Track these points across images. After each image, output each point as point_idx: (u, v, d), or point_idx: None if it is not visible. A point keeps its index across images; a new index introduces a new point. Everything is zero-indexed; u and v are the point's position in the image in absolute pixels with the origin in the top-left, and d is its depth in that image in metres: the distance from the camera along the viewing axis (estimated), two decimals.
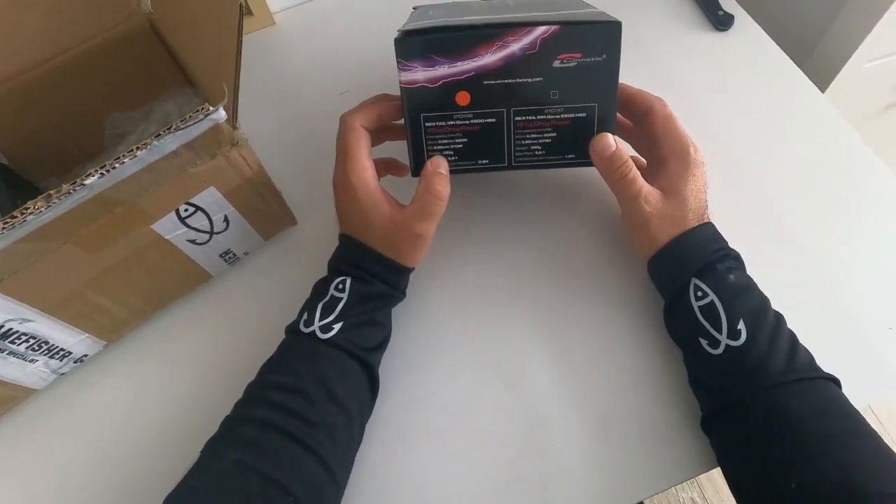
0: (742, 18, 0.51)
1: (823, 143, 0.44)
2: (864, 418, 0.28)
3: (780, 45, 0.49)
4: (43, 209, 0.24)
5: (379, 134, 0.36)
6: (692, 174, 0.34)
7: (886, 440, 0.27)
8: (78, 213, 0.27)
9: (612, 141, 0.34)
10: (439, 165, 0.34)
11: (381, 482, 0.33)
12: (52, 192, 0.25)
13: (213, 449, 0.29)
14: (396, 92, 0.34)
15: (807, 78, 0.47)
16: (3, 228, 0.24)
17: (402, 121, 0.35)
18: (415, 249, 0.34)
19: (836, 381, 0.30)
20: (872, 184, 0.42)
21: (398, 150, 0.38)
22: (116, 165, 0.25)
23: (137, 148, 0.26)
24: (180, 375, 0.37)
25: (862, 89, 0.58)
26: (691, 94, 0.47)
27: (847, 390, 0.30)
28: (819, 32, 0.53)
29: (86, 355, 0.37)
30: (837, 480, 0.26)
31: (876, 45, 0.52)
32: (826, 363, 0.30)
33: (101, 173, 0.25)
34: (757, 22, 0.51)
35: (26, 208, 0.24)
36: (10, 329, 0.30)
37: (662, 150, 0.35)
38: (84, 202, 0.27)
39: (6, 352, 0.31)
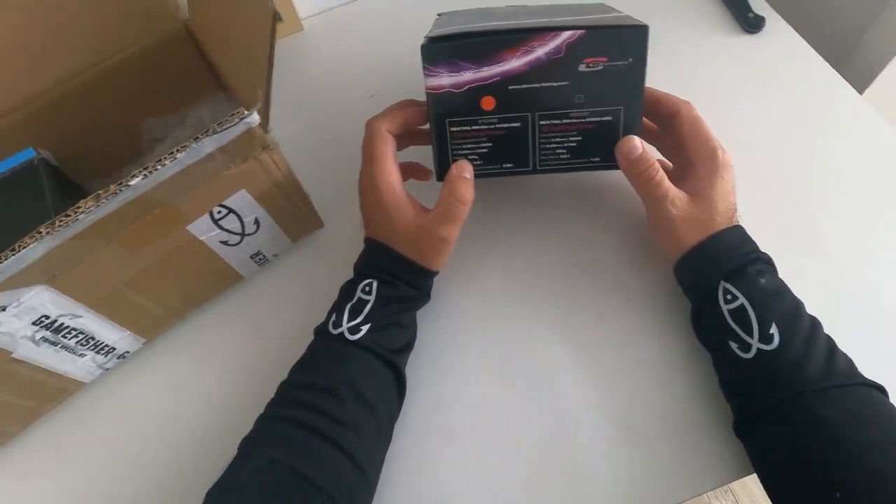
0: (773, 21, 0.50)
1: (862, 147, 0.43)
2: None
3: (814, 48, 0.48)
4: (93, 208, 0.26)
5: (404, 139, 0.37)
6: (720, 177, 0.33)
7: None
8: (122, 213, 0.28)
9: (638, 143, 0.34)
10: (464, 170, 0.34)
11: (408, 483, 0.34)
12: (100, 192, 0.26)
13: (251, 447, 0.30)
14: (422, 96, 0.35)
15: (845, 81, 0.46)
16: (59, 226, 0.25)
17: (427, 125, 0.36)
18: (439, 253, 0.35)
19: (881, 389, 0.29)
20: None
21: (423, 154, 0.38)
22: (158, 167, 0.27)
23: (177, 150, 0.27)
24: (213, 374, 0.39)
25: None
26: (720, 98, 0.46)
27: (893, 398, 0.29)
28: (858, 34, 0.52)
29: (128, 352, 0.38)
30: (883, 489, 0.25)
31: None
32: (866, 371, 0.29)
33: (144, 174, 0.26)
34: (790, 25, 0.49)
35: (78, 207, 0.25)
36: (63, 324, 0.32)
37: (689, 153, 0.34)
38: (128, 202, 0.28)
39: (59, 345, 0.33)
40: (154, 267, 0.34)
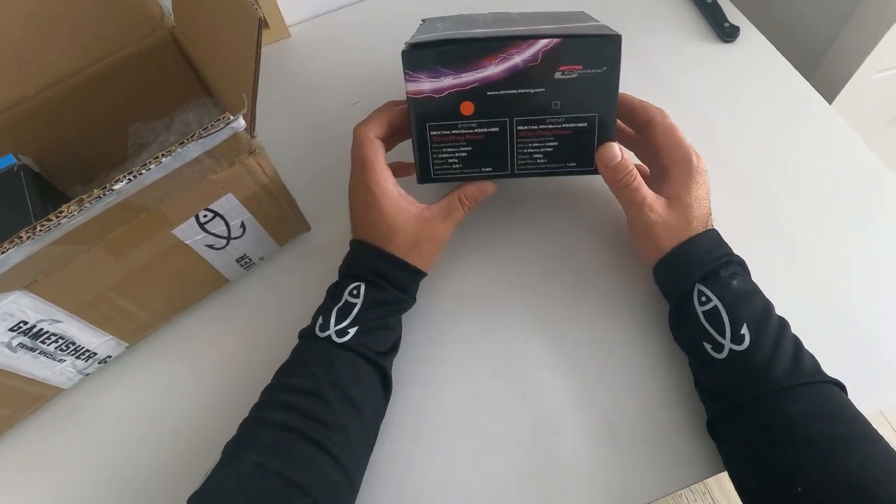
0: (748, 30, 0.51)
1: (831, 153, 0.44)
2: (870, 423, 0.28)
3: (786, 57, 0.50)
4: (76, 213, 0.26)
5: (390, 139, 0.38)
6: (695, 181, 0.34)
7: None
8: (106, 218, 0.28)
9: (617, 151, 0.35)
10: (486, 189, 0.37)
11: (392, 483, 0.34)
12: (83, 196, 0.26)
13: (234, 451, 0.30)
14: (404, 100, 0.36)
15: (814, 89, 0.48)
16: (40, 231, 0.25)
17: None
18: (434, 251, 0.36)
19: (841, 387, 0.30)
20: (881, 193, 0.42)
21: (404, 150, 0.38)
22: (143, 171, 0.27)
23: (163, 155, 0.27)
24: (198, 378, 0.38)
25: (870, 101, 0.58)
26: (697, 105, 0.48)
27: (853, 396, 0.30)
28: (826, 44, 0.54)
29: (109, 356, 0.38)
30: (844, 483, 0.26)
31: (884, 56, 0.52)
32: (832, 370, 0.31)
33: (129, 179, 0.26)
34: (763, 33, 0.51)
35: (60, 212, 0.25)
36: (42, 329, 0.31)
37: (665, 160, 0.36)
38: (112, 207, 0.28)
39: (37, 351, 0.32)
40: (139, 271, 0.34)
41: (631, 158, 0.36)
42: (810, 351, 0.31)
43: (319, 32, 0.56)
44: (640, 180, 0.35)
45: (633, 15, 0.53)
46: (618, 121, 0.39)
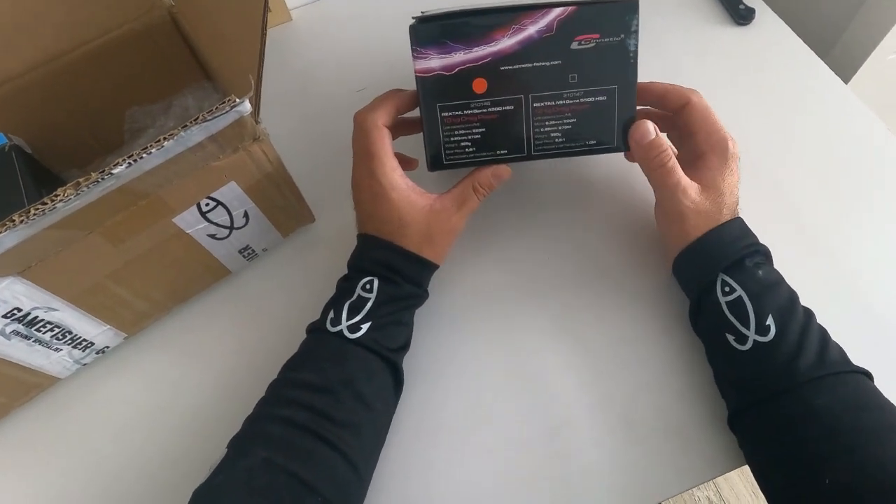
0: (763, 12, 0.50)
1: (849, 135, 0.43)
2: None
3: (801, 38, 0.48)
4: (72, 197, 0.24)
5: (395, 129, 0.36)
6: (729, 168, 0.33)
7: None
8: (104, 204, 0.27)
9: (651, 128, 0.33)
10: (500, 174, 0.35)
11: (402, 480, 0.33)
12: (80, 180, 0.25)
13: (242, 446, 0.29)
14: (413, 88, 0.34)
15: (831, 70, 0.47)
16: (34, 214, 0.24)
17: (416, 113, 0.35)
18: (447, 242, 0.34)
19: (868, 375, 0.29)
20: None
21: (408, 145, 0.37)
22: (144, 155, 0.25)
23: (164, 138, 0.26)
24: (199, 371, 0.37)
25: (886, 81, 0.57)
26: (712, 89, 0.45)
27: (882, 386, 0.29)
28: (842, 24, 0.52)
29: (107, 347, 0.37)
30: (873, 475, 0.25)
31: None
32: (858, 359, 0.30)
33: (129, 163, 0.25)
34: (778, 15, 0.50)
35: (56, 195, 0.24)
36: (37, 317, 0.30)
37: (700, 144, 0.34)
38: (110, 192, 0.27)
39: (32, 339, 0.31)
40: (138, 260, 0.33)
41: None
42: (836, 342, 0.30)
43: (322, 16, 0.55)
44: (675, 162, 0.33)
45: (645, 0, 0.52)
46: (648, 108, 0.38)
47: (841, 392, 0.28)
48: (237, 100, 0.28)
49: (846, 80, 0.54)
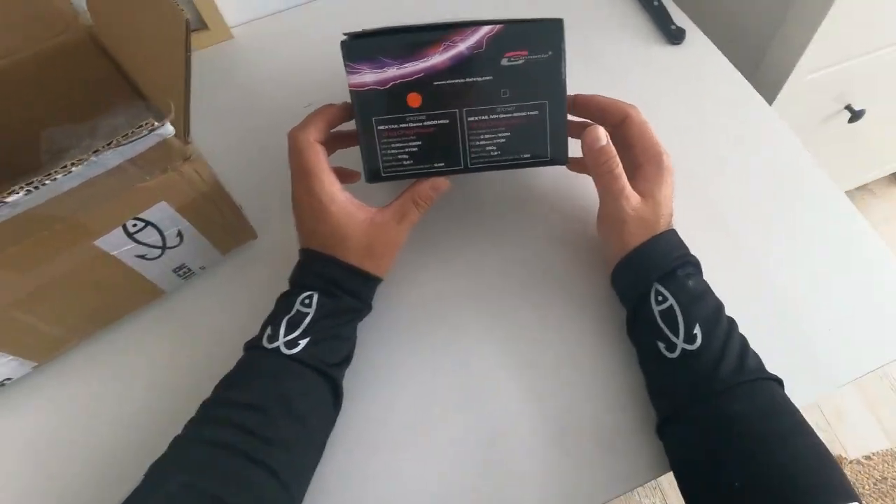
0: (693, 32, 0.53)
1: (771, 153, 0.46)
2: (803, 417, 0.29)
3: (729, 58, 0.51)
4: None
5: (331, 144, 0.36)
6: (665, 180, 0.35)
7: (831, 434, 0.28)
8: (3, 232, 0.26)
9: (602, 134, 0.34)
10: (438, 186, 0.35)
11: (341, 494, 0.33)
12: None
13: (160, 471, 0.28)
14: (343, 101, 0.34)
15: (755, 90, 0.49)
16: None
17: (351, 126, 0.35)
18: (389, 255, 0.35)
19: (779, 382, 0.31)
20: (814, 192, 0.44)
21: (346, 157, 0.37)
22: (47, 182, 0.25)
23: (73, 164, 0.25)
24: (129, 393, 0.36)
25: (806, 100, 0.61)
26: (646, 105, 0.47)
27: (790, 390, 0.31)
28: (763, 46, 0.56)
29: (9, 378, 0.35)
30: (776, 476, 0.26)
31: (815, 57, 0.54)
32: (771, 364, 0.31)
33: (28, 190, 0.24)
34: (707, 36, 0.53)
35: None
36: None
37: (638, 156, 0.35)
38: (11, 219, 0.26)
39: None
40: (51, 285, 0.31)
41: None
42: (754, 349, 0.32)
43: (263, 34, 0.55)
44: (621, 169, 0.34)
45: (583, 17, 0.54)
46: (588, 121, 0.39)
47: (754, 399, 0.29)
48: (156, 123, 0.28)
49: (771, 99, 0.57)
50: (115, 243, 0.32)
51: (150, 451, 0.29)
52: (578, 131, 0.36)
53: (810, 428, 0.28)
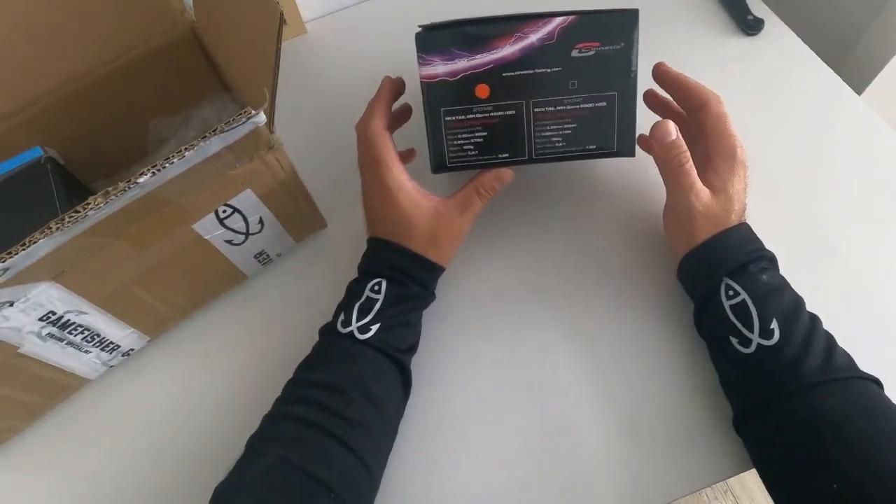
0: (772, 22, 0.50)
1: (862, 147, 0.43)
2: None
3: (812, 49, 0.48)
4: (102, 205, 0.26)
5: (392, 128, 0.37)
6: (737, 175, 0.34)
7: None
8: (130, 211, 0.29)
9: (672, 128, 0.34)
10: (503, 177, 0.36)
11: (409, 481, 0.34)
12: (109, 189, 0.26)
13: (257, 445, 0.30)
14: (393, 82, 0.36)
15: (843, 82, 0.46)
16: (68, 222, 0.25)
17: (402, 105, 0.36)
18: (453, 245, 0.35)
19: (877, 382, 0.29)
20: None
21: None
22: (166, 165, 0.27)
23: (185, 149, 0.27)
24: (217, 372, 0.39)
25: None
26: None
27: (891, 393, 0.29)
28: (857, 34, 0.52)
29: (132, 349, 0.39)
30: (881, 481, 0.25)
31: None
32: (866, 366, 0.30)
33: (153, 172, 0.27)
34: (788, 25, 0.50)
35: (87, 204, 0.26)
36: (69, 320, 0.32)
37: (710, 147, 0.34)
38: (135, 200, 0.28)
39: (65, 341, 0.33)
40: (160, 265, 0.34)
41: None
42: (843, 348, 0.30)
43: (337, 28, 0.56)
44: (691, 164, 0.33)
45: (654, 10, 0.52)
46: (670, 99, 0.38)
47: (849, 397, 0.28)
48: (252, 111, 0.29)
49: (859, 90, 0.53)
50: (208, 228, 0.35)
51: (240, 420, 0.31)
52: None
53: None
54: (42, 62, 0.38)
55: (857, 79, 0.53)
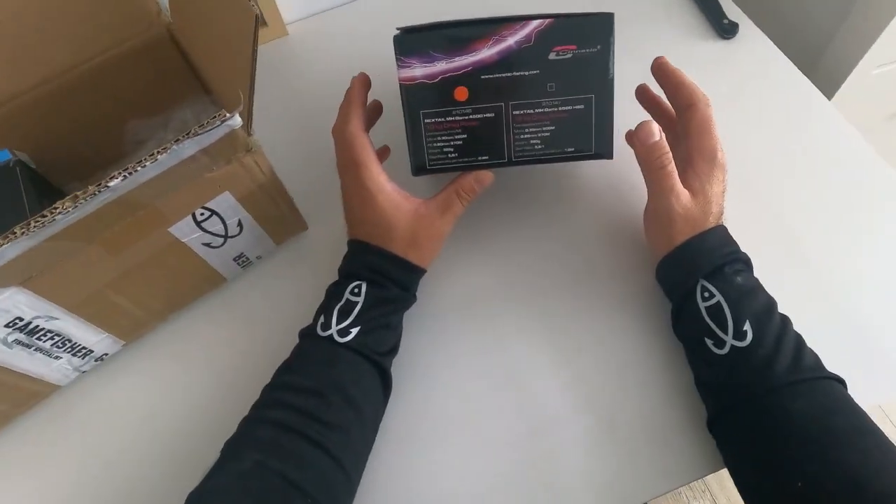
0: (747, 26, 0.51)
1: (831, 150, 0.44)
2: (868, 417, 0.28)
3: (785, 53, 0.49)
4: (70, 209, 0.26)
5: (367, 127, 0.37)
6: (716, 177, 0.34)
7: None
8: (102, 215, 0.28)
9: (655, 129, 0.34)
10: (483, 179, 0.36)
11: (388, 484, 0.34)
12: (78, 193, 0.26)
13: (233, 449, 0.30)
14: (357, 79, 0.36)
15: (813, 86, 0.47)
16: (34, 227, 0.25)
17: (371, 101, 0.36)
18: (433, 247, 0.35)
19: (841, 382, 0.30)
20: (880, 189, 0.42)
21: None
22: (138, 168, 0.27)
23: (158, 152, 0.27)
24: (195, 376, 0.38)
25: (869, 96, 0.58)
26: None
27: (854, 392, 0.30)
28: (826, 39, 0.53)
29: (106, 354, 0.38)
30: (843, 477, 0.26)
31: (883, 50, 0.52)
32: (832, 365, 0.30)
33: (124, 175, 0.26)
34: (762, 30, 0.51)
35: (55, 208, 0.25)
36: (38, 326, 0.31)
37: (692, 147, 0.35)
38: (108, 204, 0.28)
39: (33, 347, 0.32)
40: (136, 269, 0.34)
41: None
42: (811, 348, 0.31)
43: (318, 30, 0.56)
44: (673, 166, 0.34)
45: (632, 12, 0.53)
46: (661, 98, 0.39)
47: (815, 397, 0.29)
48: (227, 114, 0.29)
49: (830, 94, 0.55)
50: (185, 231, 0.34)
51: (217, 425, 0.31)
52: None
53: (877, 428, 0.28)
54: (13, 64, 0.37)
55: (828, 83, 0.54)
